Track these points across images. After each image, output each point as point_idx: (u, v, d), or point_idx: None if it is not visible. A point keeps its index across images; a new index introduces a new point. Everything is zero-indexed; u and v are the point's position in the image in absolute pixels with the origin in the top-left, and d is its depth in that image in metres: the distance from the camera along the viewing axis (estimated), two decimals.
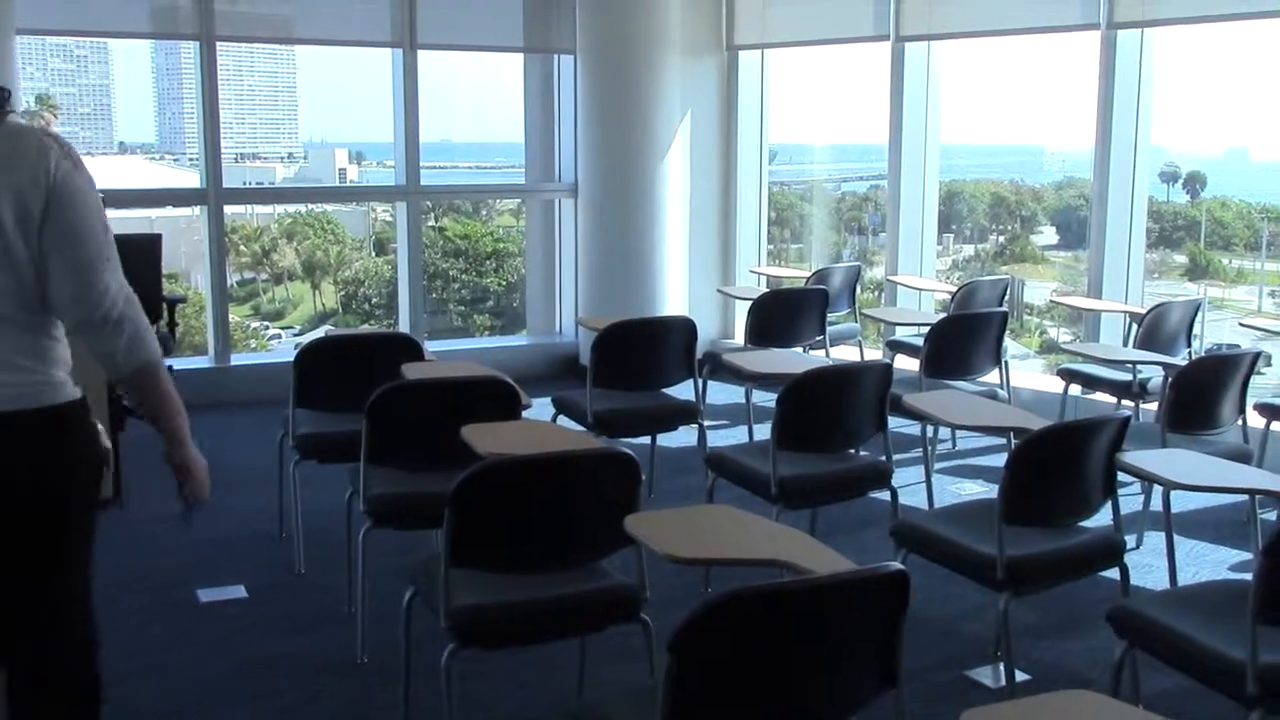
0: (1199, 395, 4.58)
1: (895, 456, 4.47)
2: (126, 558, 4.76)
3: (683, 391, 5.41)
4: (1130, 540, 4.53)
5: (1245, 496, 4.70)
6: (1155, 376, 5.51)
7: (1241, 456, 4.40)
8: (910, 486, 5.32)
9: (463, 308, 17.21)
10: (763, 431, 6.14)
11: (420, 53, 7.87)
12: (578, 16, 8.08)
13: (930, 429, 5.84)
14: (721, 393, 6.94)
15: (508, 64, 9.05)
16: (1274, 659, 2.62)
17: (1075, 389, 5.91)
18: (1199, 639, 2.79)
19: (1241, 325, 7.53)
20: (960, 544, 3.47)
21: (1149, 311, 5.79)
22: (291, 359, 4.65)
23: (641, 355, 5.29)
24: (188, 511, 2.52)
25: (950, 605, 4.25)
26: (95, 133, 23.00)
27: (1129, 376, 5.61)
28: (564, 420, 5.18)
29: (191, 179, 9.92)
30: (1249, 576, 2.79)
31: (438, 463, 3.67)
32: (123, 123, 22.59)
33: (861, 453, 4.49)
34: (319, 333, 14.31)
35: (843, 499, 4.47)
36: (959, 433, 6.40)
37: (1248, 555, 4.81)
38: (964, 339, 5.66)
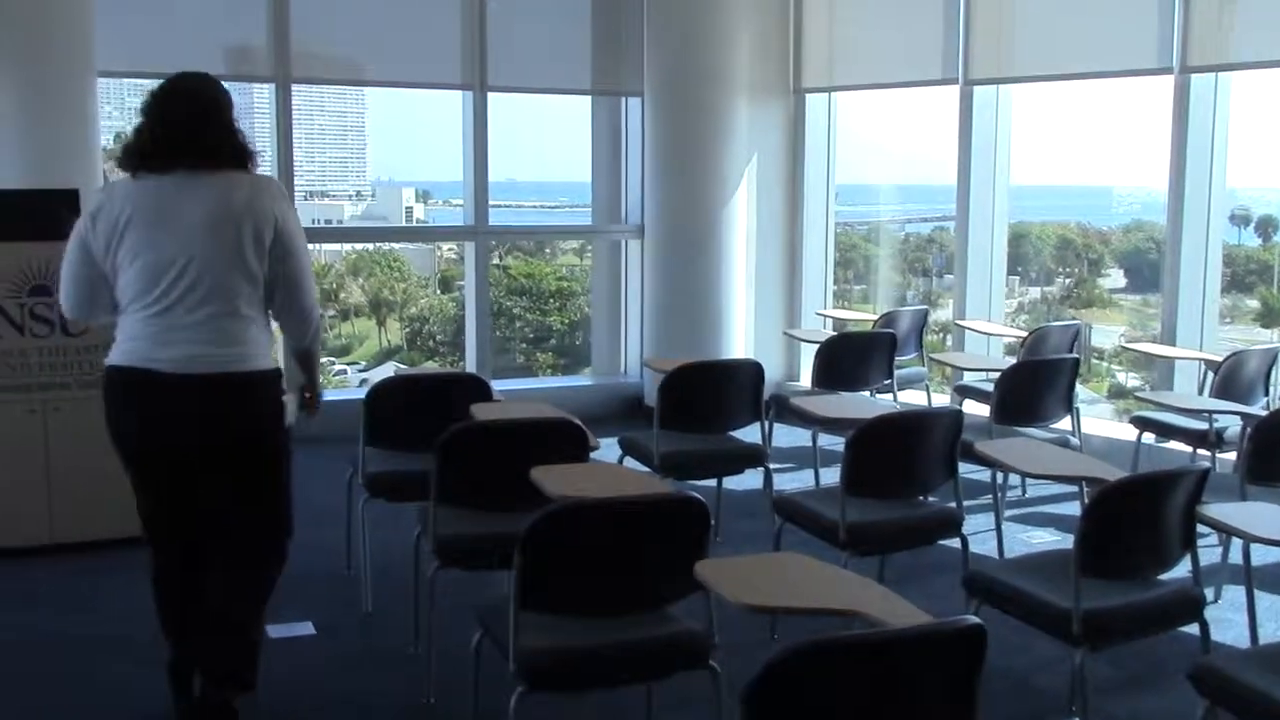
0: (1279, 446, 4.48)
1: (964, 503, 4.41)
2: None
3: (748, 434, 5.39)
4: (1208, 594, 4.43)
5: None
6: (1232, 426, 5.40)
7: None
8: (979, 534, 5.25)
9: (525, 345, 17.29)
10: (829, 475, 6.12)
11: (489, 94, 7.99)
12: (646, 59, 8.15)
13: (1000, 475, 5.76)
14: (787, 435, 6.90)
15: (574, 104, 9.14)
16: None
17: (1149, 437, 5.81)
18: None
19: None
20: (1035, 596, 3.41)
21: (1225, 359, 5.69)
22: (359, 395, 4.70)
23: (708, 397, 5.28)
24: (309, 419, 3.76)
25: (1024, 658, 4.17)
26: None
27: (1205, 425, 5.50)
28: (629, 461, 5.19)
29: None
30: None
31: (506, 503, 3.69)
32: None
33: (930, 499, 4.44)
34: (385, 368, 14.44)
35: (912, 546, 4.42)
36: (1028, 480, 6.30)
37: None
38: (1035, 385, 5.59)
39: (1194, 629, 3.49)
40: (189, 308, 3.22)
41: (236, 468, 3.38)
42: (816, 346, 6.58)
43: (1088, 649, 3.28)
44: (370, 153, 20.37)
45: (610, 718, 3.72)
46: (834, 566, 2.99)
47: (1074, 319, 8.04)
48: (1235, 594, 4.62)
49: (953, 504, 4.31)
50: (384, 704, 3.88)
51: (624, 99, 8.55)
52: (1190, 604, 3.48)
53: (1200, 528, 3.48)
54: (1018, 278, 13.01)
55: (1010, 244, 8.33)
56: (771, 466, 5.28)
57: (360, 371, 16.86)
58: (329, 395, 10.42)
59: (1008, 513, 5.81)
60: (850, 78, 8.53)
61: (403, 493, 4.42)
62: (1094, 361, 11.80)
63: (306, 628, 4.43)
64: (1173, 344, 6.87)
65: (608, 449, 4.92)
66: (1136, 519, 3.36)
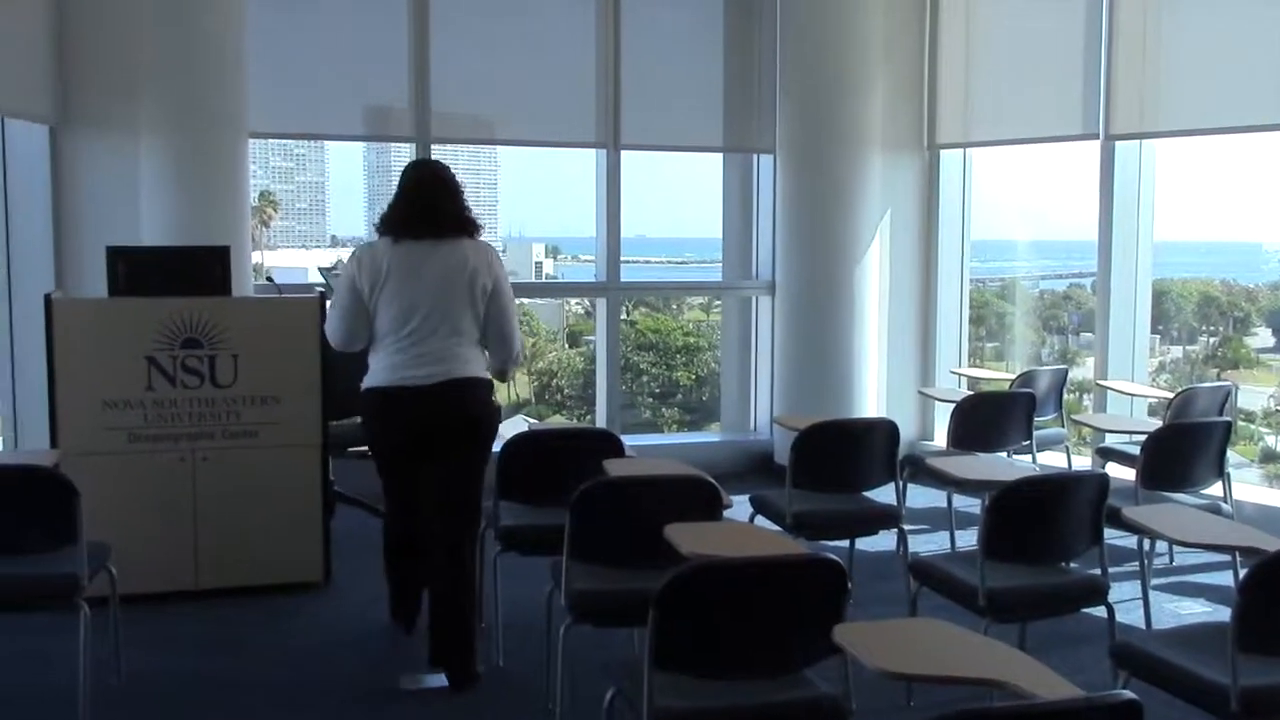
0: None
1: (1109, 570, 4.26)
2: (332, 636, 4.91)
3: (882, 494, 5.30)
4: None
5: None
6: None
7: None
8: (1124, 603, 5.05)
9: (652, 400, 17.36)
10: (965, 538, 5.97)
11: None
12: (778, 116, 8.17)
13: (1147, 543, 5.55)
14: (921, 496, 6.76)
15: (704, 161, 9.20)
16: None
17: None
18: None
19: None
20: (1189, 671, 3.27)
21: None
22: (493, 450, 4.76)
23: (841, 456, 5.21)
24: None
25: None
26: (310, 226, 24.30)
27: None
28: (761, 520, 5.13)
29: None
30: None
31: (639, 560, 3.68)
32: (335, 217, 23.84)
33: (1073, 565, 4.29)
34: (515, 421, 14.63)
35: (1055, 614, 4.28)
36: (1176, 548, 6.06)
37: None
38: (1184, 449, 5.38)
39: None
40: (430, 340, 4.37)
41: (461, 446, 4.44)
42: (952, 406, 6.45)
43: None
44: (502, 208, 20.83)
45: None
46: (974, 633, 2.91)
47: (1219, 378, 7.76)
48: None
49: (1097, 571, 4.16)
50: None
51: (756, 155, 8.57)
52: None
53: None
54: (1158, 336, 12.64)
55: (1152, 301, 8.09)
56: (906, 528, 5.18)
57: None
58: None
59: (1154, 581, 5.59)
60: (986, 133, 8.40)
61: (535, 546, 4.44)
62: (1241, 424, 11.37)
63: (439, 679, 4.46)
64: None
65: (739, 506, 4.88)
66: None
